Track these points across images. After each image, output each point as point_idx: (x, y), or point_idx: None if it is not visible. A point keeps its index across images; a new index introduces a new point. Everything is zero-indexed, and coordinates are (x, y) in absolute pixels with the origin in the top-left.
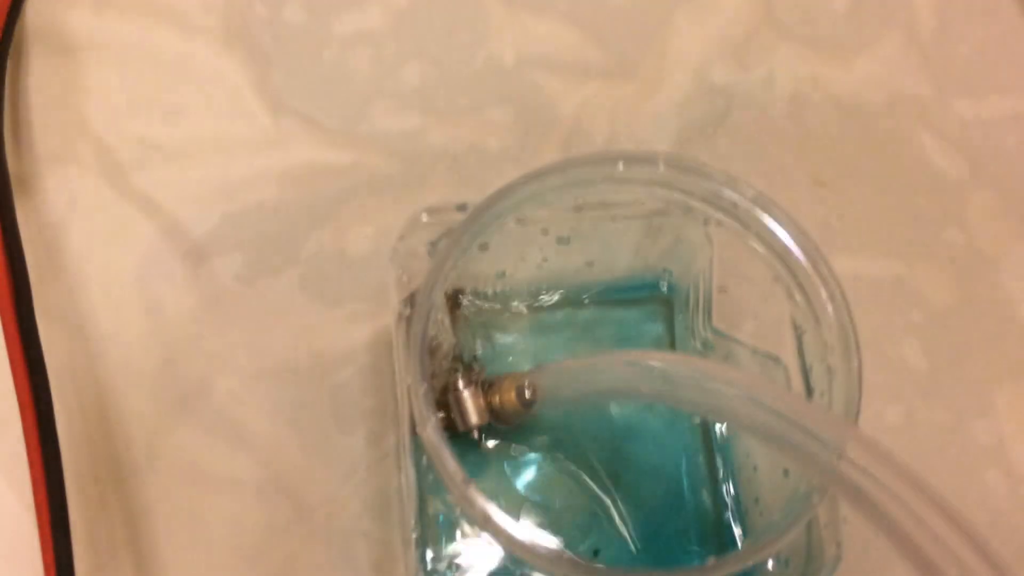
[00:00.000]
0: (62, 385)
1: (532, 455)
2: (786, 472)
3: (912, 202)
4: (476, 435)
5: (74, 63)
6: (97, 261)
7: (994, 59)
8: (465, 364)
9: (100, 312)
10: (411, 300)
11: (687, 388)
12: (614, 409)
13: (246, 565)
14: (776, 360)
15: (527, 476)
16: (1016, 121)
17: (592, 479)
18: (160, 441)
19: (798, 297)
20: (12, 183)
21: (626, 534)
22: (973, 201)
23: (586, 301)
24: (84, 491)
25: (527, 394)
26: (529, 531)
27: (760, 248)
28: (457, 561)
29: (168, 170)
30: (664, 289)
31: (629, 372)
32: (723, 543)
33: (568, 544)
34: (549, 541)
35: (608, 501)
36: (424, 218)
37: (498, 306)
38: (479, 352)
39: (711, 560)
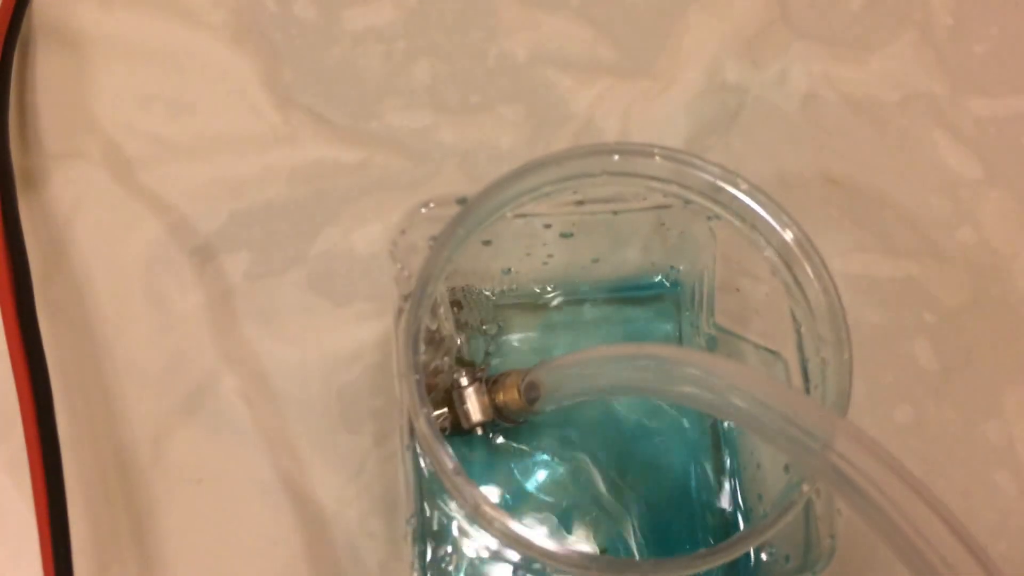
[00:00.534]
0: (67, 382)
1: (539, 454)
2: (787, 468)
3: (925, 201)
4: (481, 432)
5: (82, 58)
6: (103, 258)
7: (1009, 58)
8: (469, 361)
9: (106, 309)
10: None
11: (685, 381)
12: (621, 408)
13: (252, 563)
14: (777, 355)
15: (534, 475)
16: None
17: (599, 478)
18: (166, 439)
19: (793, 290)
20: (19, 178)
21: (633, 533)
22: (987, 201)
23: (593, 299)
24: (89, 489)
25: (531, 391)
26: (519, 521)
27: (756, 239)
28: (454, 553)
29: (176, 166)
30: (670, 286)
31: (629, 366)
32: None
33: (575, 543)
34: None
35: (615, 500)
36: (423, 211)
37: (504, 303)
38: (483, 350)
39: (703, 549)
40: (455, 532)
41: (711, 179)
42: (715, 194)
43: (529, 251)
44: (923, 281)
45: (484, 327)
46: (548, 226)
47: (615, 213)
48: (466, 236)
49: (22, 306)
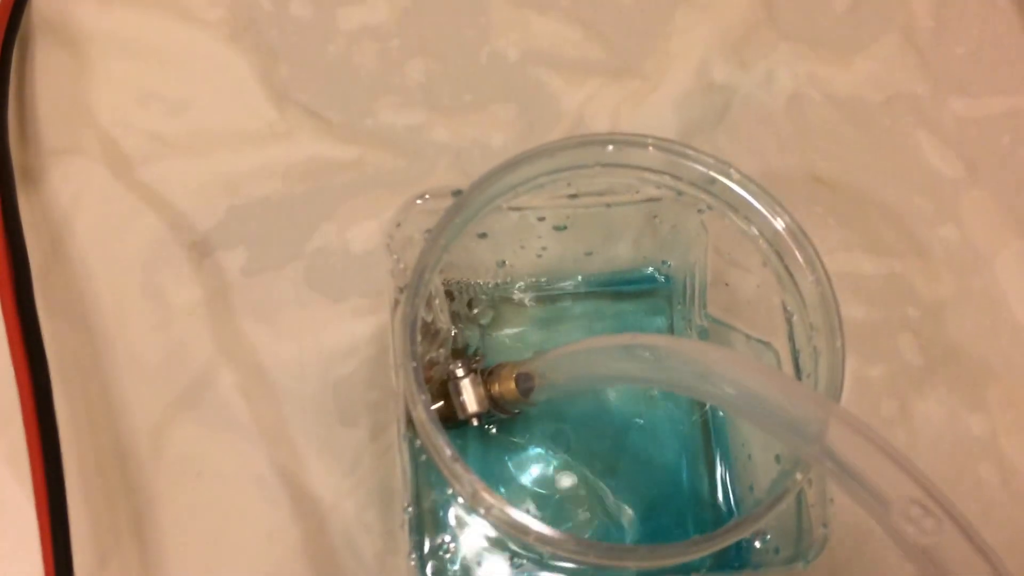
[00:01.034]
0: (67, 377)
1: (533, 446)
2: (778, 458)
3: (908, 199)
4: (477, 423)
5: (80, 56)
6: (102, 253)
7: (990, 59)
8: (465, 353)
9: (105, 304)
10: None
11: (679, 371)
12: (614, 400)
13: (249, 556)
14: (768, 346)
15: (529, 466)
16: (1011, 120)
17: (593, 469)
18: (164, 433)
19: (785, 279)
20: (19, 175)
21: (626, 522)
22: (968, 198)
23: (586, 292)
24: (88, 482)
25: (525, 382)
26: (516, 507)
27: (748, 230)
28: (451, 541)
29: (174, 163)
30: (662, 279)
31: (623, 356)
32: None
33: (569, 531)
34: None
35: (608, 490)
36: (418, 202)
37: (499, 296)
38: (478, 341)
39: (697, 536)
40: (452, 520)
41: (703, 169)
42: (707, 184)
43: (523, 244)
44: (907, 278)
45: (478, 320)
46: (542, 219)
47: (608, 206)
48: (462, 226)
49: (22, 300)
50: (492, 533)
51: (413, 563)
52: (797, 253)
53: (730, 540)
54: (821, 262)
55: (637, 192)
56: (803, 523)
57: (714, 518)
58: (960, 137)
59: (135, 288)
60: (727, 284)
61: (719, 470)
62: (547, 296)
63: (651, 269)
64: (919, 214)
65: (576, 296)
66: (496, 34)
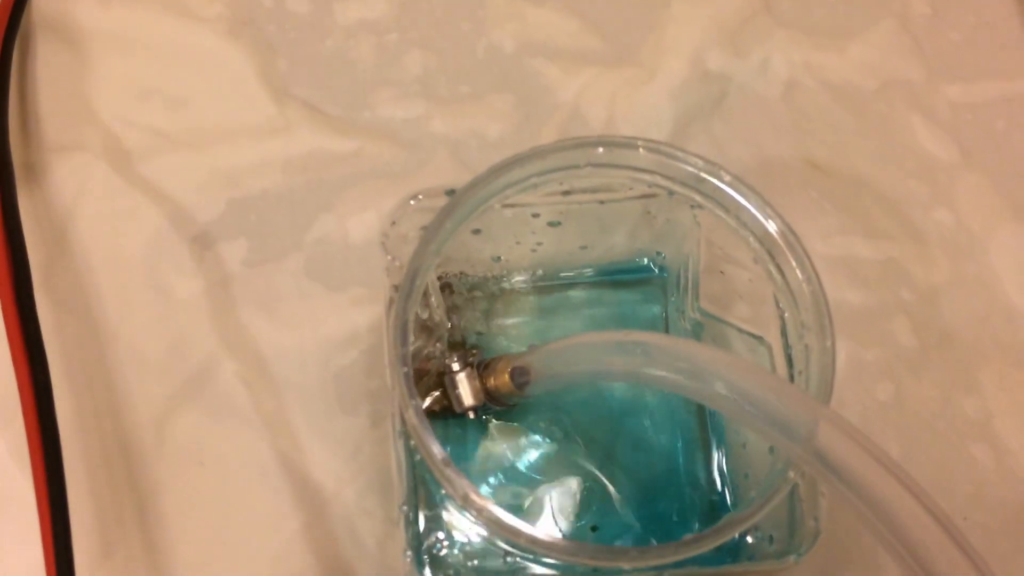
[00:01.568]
0: (71, 369)
1: (530, 433)
2: (772, 448)
3: (903, 184)
4: (473, 416)
5: (81, 53)
6: (105, 247)
7: (984, 45)
8: (460, 347)
9: (108, 297)
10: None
11: (671, 369)
12: (611, 386)
13: (252, 543)
14: (761, 340)
15: (526, 454)
16: (1005, 105)
17: (590, 456)
18: (167, 423)
19: (776, 278)
20: (21, 171)
21: (623, 509)
22: (963, 183)
23: (581, 283)
24: (93, 473)
25: (520, 375)
26: (507, 509)
27: (739, 229)
28: (447, 539)
29: (174, 157)
30: (657, 271)
31: (616, 352)
32: (716, 516)
33: (567, 520)
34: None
35: (605, 478)
36: (413, 203)
37: (494, 290)
38: (475, 334)
39: (688, 536)
40: (447, 517)
41: (694, 171)
42: (698, 185)
43: (518, 239)
44: (902, 262)
45: (473, 313)
46: (536, 215)
47: (602, 203)
48: (454, 228)
49: (21, 296)
50: (486, 531)
51: (408, 560)
52: (788, 254)
53: (721, 539)
54: (811, 263)
55: (630, 189)
56: (795, 516)
57: (710, 504)
58: (955, 122)
59: (137, 281)
60: (722, 272)
61: (715, 456)
62: (542, 287)
63: (646, 260)
64: (914, 199)
65: (571, 287)
66: (492, 26)
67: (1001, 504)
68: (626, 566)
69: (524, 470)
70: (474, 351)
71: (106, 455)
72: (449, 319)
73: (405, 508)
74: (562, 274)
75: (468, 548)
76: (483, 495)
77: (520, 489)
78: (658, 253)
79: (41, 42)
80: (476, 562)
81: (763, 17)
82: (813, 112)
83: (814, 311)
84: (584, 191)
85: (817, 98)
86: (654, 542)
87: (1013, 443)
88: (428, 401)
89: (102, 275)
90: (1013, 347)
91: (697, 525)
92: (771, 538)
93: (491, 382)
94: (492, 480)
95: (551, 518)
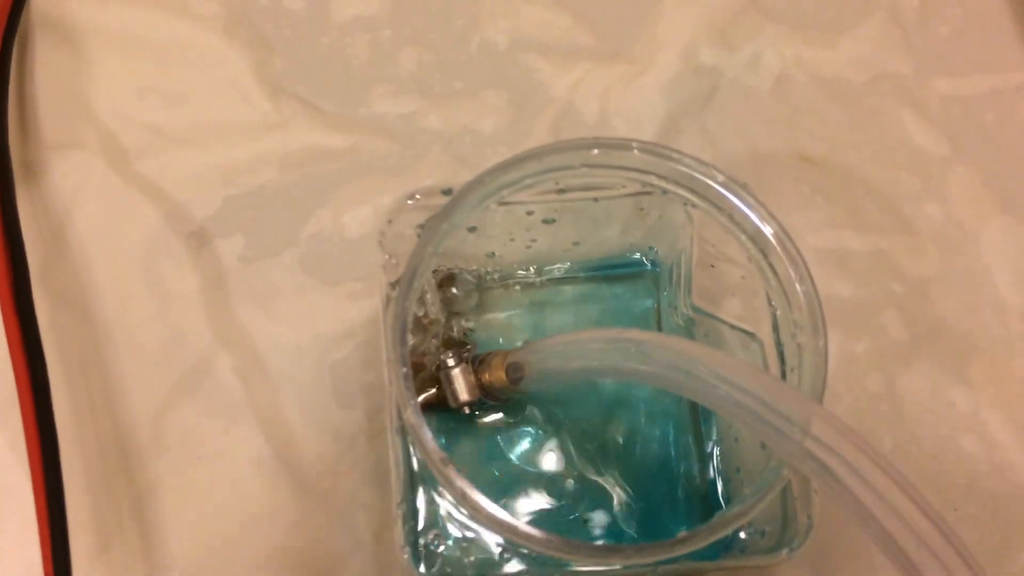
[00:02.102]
0: (69, 365)
1: (525, 427)
2: (764, 444)
3: (894, 177)
4: (468, 410)
5: (79, 51)
6: (103, 244)
7: (974, 39)
8: (456, 342)
9: (106, 294)
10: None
11: (664, 367)
12: (604, 382)
13: (249, 537)
14: (753, 336)
15: (520, 447)
16: (995, 98)
17: (583, 449)
18: (165, 418)
19: (769, 277)
20: (20, 169)
21: (616, 503)
22: (953, 176)
23: (575, 279)
24: (91, 468)
25: (515, 371)
26: (504, 507)
27: (733, 229)
28: (442, 534)
29: (172, 155)
30: (650, 266)
31: (610, 350)
32: (708, 510)
33: (559, 513)
34: (530, 508)
35: (598, 471)
36: (410, 202)
37: (489, 285)
38: (469, 330)
39: (683, 532)
40: (443, 513)
41: (688, 171)
42: (692, 185)
43: (513, 236)
44: (892, 254)
45: (468, 308)
46: (531, 213)
47: (596, 200)
48: (451, 230)
49: (19, 292)
50: (483, 528)
51: (406, 555)
52: (781, 254)
53: (717, 535)
54: (804, 263)
55: (624, 188)
56: (788, 512)
57: (702, 497)
58: (945, 115)
59: (135, 277)
60: (712, 266)
61: (707, 451)
62: (536, 283)
63: (638, 255)
64: (904, 191)
65: (565, 282)
66: (486, 22)
67: (991, 495)
68: (621, 563)
69: (517, 463)
70: (469, 347)
71: (104, 450)
72: (444, 315)
73: (401, 504)
74: (556, 269)
75: (465, 544)
76: (480, 493)
77: (513, 482)
78: (651, 248)
79: (40, 41)
80: (472, 558)
81: (753, 12)
82: (804, 106)
83: (807, 311)
84: (578, 189)
85: (808, 92)
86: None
87: (1002, 435)
88: (423, 397)
89: (100, 271)
90: (1003, 339)
91: (689, 519)
92: (763, 533)
93: (486, 377)
94: (485, 474)
95: (544, 511)
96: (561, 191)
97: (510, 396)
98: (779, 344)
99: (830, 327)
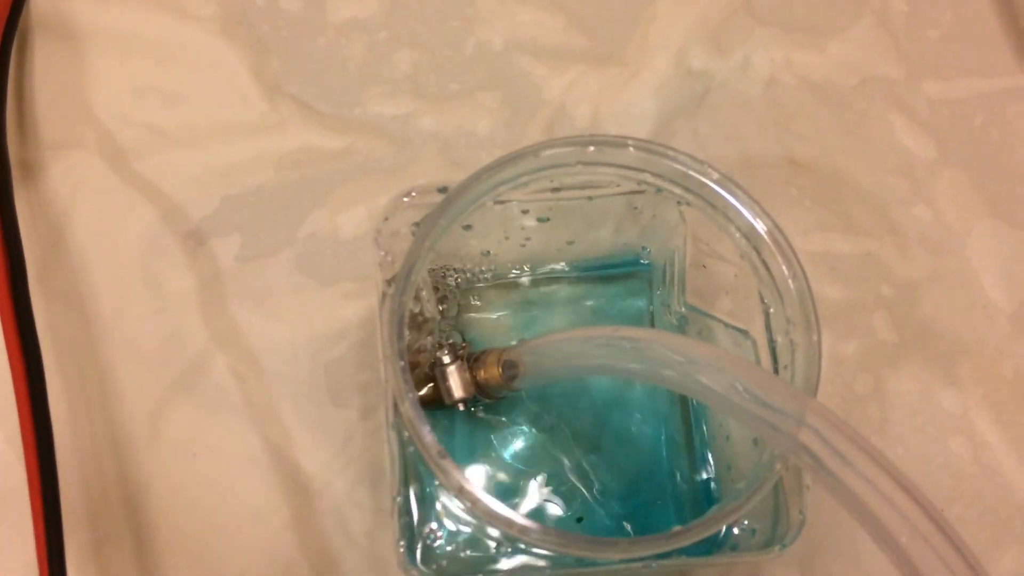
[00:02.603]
0: (67, 363)
1: (519, 426)
2: (755, 441)
3: (883, 180)
4: (463, 408)
5: (78, 51)
6: (100, 243)
7: (961, 43)
8: (451, 340)
9: (103, 293)
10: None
11: (658, 363)
12: (597, 380)
13: (243, 534)
14: (746, 334)
15: (514, 446)
16: (982, 102)
17: (576, 448)
18: (161, 416)
19: (763, 274)
20: (19, 168)
21: (608, 501)
22: (941, 179)
23: (568, 278)
24: (86, 466)
25: (509, 369)
26: (500, 500)
27: (726, 226)
28: (439, 528)
29: (169, 155)
30: (643, 265)
31: (605, 347)
32: (699, 508)
33: (553, 512)
34: (524, 506)
35: (591, 469)
36: (406, 200)
37: (483, 284)
38: (464, 328)
39: (678, 527)
40: (439, 507)
41: (683, 169)
42: (686, 182)
43: (507, 234)
44: (881, 257)
45: (464, 306)
46: (526, 211)
47: (590, 199)
48: (447, 226)
49: (17, 290)
50: (479, 521)
51: (401, 549)
52: (774, 250)
53: (708, 531)
54: (798, 259)
55: (618, 186)
56: (780, 508)
57: (693, 495)
58: (933, 119)
59: (132, 276)
60: (704, 266)
61: (698, 449)
62: (530, 281)
63: (633, 255)
64: (893, 195)
65: (559, 281)
66: (481, 24)
67: (979, 496)
68: (616, 556)
69: (511, 462)
70: (464, 344)
71: (100, 448)
72: (440, 313)
73: (398, 499)
74: (550, 268)
75: (460, 538)
76: (477, 486)
77: (507, 481)
78: (644, 248)
79: (39, 41)
80: (468, 552)
81: (744, 16)
82: (794, 109)
83: (800, 307)
84: (573, 188)
85: (798, 95)
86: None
87: (990, 436)
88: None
89: (98, 270)
90: (990, 341)
91: (681, 516)
92: (754, 531)
93: (481, 375)
94: (480, 472)
95: (537, 510)
96: (556, 189)
97: (504, 394)
98: (772, 342)
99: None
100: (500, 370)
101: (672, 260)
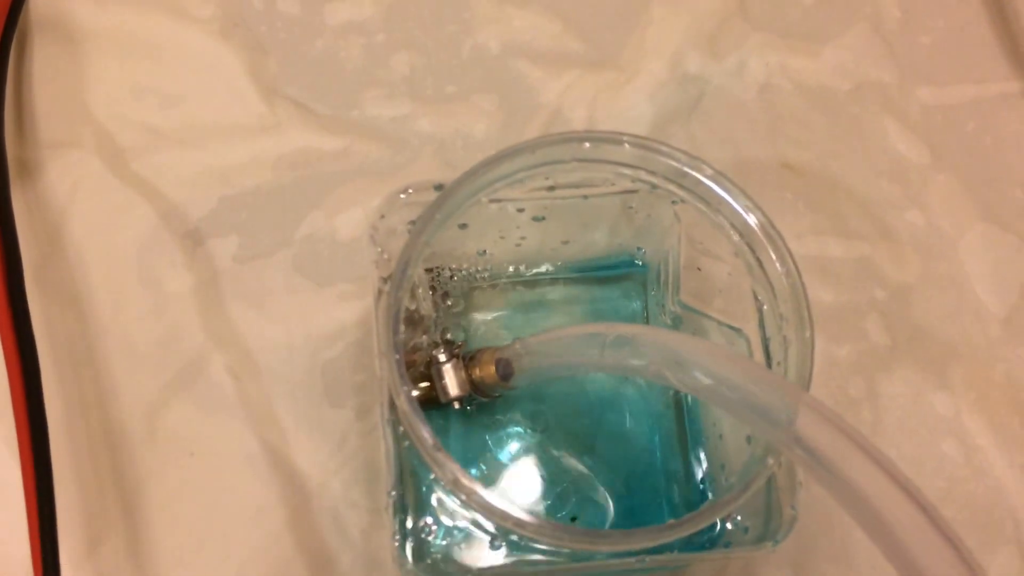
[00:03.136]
0: (64, 362)
1: (513, 425)
2: (748, 439)
3: (876, 185)
4: (459, 406)
5: (77, 52)
6: (98, 243)
7: (954, 49)
8: (447, 338)
9: (101, 292)
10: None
11: (653, 358)
12: (592, 380)
13: (239, 533)
14: (739, 332)
15: (509, 446)
16: (975, 107)
17: (571, 448)
18: (158, 415)
19: (756, 270)
20: (17, 168)
21: (603, 499)
22: (934, 184)
23: (564, 278)
24: (83, 465)
25: (505, 367)
26: (495, 493)
27: (720, 223)
28: (434, 523)
29: (167, 155)
30: (638, 266)
31: (599, 344)
32: (693, 507)
33: (548, 511)
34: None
35: (585, 469)
36: (402, 197)
37: (479, 283)
38: (460, 327)
39: (671, 520)
40: (435, 503)
41: (677, 165)
42: (680, 179)
43: (503, 234)
44: (874, 261)
45: (460, 306)
46: (521, 210)
47: (585, 198)
48: (443, 221)
49: (12, 289)
50: (473, 515)
51: (397, 544)
52: (768, 246)
53: (702, 524)
54: (791, 255)
55: (613, 184)
56: (772, 505)
57: (687, 495)
58: (926, 124)
59: (130, 276)
60: (699, 269)
61: (692, 448)
62: (526, 281)
63: (626, 256)
64: (886, 199)
65: (555, 281)
66: (478, 28)
67: (970, 498)
68: (609, 549)
69: (506, 461)
70: (460, 343)
71: (96, 447)
72: (436, 311)
73: (393, 493)
74: (545, 268)
75: (455, 533)
76: (472, 479)
77: (502, 479)
78: (639, 248)
79: (38, 41)
80: (463, 547)
81: (739, 21)
82: (788, 114)
83: (793, 303)
84: (568, 186)
85: (792, 100)
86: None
87: (982, 439)
88: (415, 392)
89: (95, 270)
90: (982, 344)
91: (675, 515)
92: (747, 527)
93: (476, 373)
94: (474, 471)
95: (532, 508)
96: (551, 188)
97: (500, 392)
98: (765, 339)
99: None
100: (496, 368)
101: (667, 260)
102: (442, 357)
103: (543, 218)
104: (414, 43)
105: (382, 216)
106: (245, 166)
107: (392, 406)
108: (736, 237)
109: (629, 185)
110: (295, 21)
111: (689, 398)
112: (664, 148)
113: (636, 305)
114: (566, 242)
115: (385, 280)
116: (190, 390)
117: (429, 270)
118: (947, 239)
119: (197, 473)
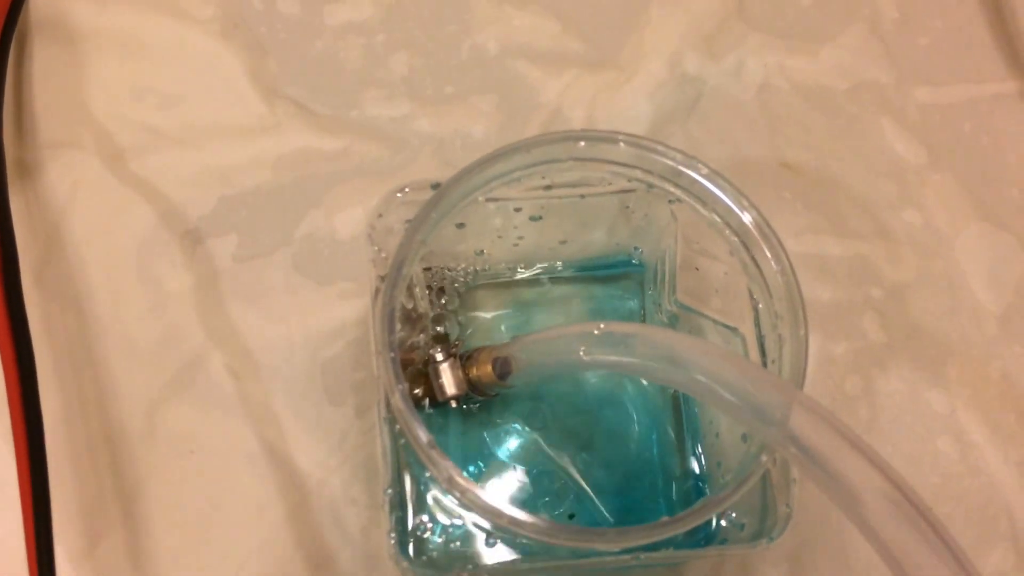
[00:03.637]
0: (63, 361)
1: (512, 422)
2: (744, 437)
3: (873, 184)
4: (455, 405)
5: (76, 52)
6: (98, 243)
7: (951, 49)
8: (444, 337)
9: (101, 291)
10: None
11: (649, 357)
12: (589, 378)
13: (239, 530)
14: (735, 331)
15: (507, 444)
16: (972, 107)
17: (568, 446)
18: (158, 414)
19: (751, 269)
20: (17, 168)
21: (599, 499)
22: (930, 184)
23: (561, 278)
24: (80, 465)
25: (502, 366)
26: (490, 491)
27: (716, 221)
28: (430, 521)
29: (167, 155)
30: (634, 265)
31: (596, 342)
32: (690, 505)
33: (545, 509)
34: (516, 503)
35: (582, 467)
36: (399, 196)
37: (477, 283)
38: (457, 326)
39: (666, 517)
40: (431, 501)
41: (673, 164)
42: (676, 178)
43: (500, 233)
44: (871, 259)
45: (457, 305)
46: (518, 209)
47: (582, 197)
48: (439, 219)
49: (9, 288)
50: (469, 513)
51: (393, 542)
52: (763, 245)
53: (696, 521)
54: (786, 254)
55: (610, 184)
56: (767, 502)
57: (684, 493)
58: (923, 124)
59: (130, 275)
60: (697, 269)
61: (689, 446)
62: (524, 281)
63: (623, 255)
64: (883, 198)
65: (552, 281)
66: (477, 28)
67: (965, 495)
68: (605, 547)
69: (503, 459)
70: (457, 342)
71: (94, 446)
72: (433, 310)
73: (390, 491)
74: (542, 268)
75: (451, 531)
76: (466, 477)
77: (499, 478)
78: (636, 248)
79: (38, 41)
80: (458, 544)
81: (737, 21)
82: (785, 114)
83: (787, 301)
84: (565, 186)
85: (789, 100)
86: None
87: (977, 436)
88: (412, 391)
89: (95, 270)
90: (978, 342)
91: (671, 514)
92: (742, 524)
93: (473, 372)
94: (472, 469)
95: (529, 507)
96: (548, 187)
97: (497, 391)
98: (760, 338)
99: (809, 330)
100: (492, 367)
101: (663, 260)
102: (439, 356)
103: (540, 217)
104: (413, 43)
105: (380, 215)
106: (245, 166)
107: (389, 404)
108: (731, 235)
109: (626, 184)
110: (295, 21)
111: (686, 396)
112: (659, 147)
113: (633, 304)
114: (563, 241)
115: (383, 279)
116: (190, 389)
117: (427, 269)
118: (944, 238)
119: (197, 471)
